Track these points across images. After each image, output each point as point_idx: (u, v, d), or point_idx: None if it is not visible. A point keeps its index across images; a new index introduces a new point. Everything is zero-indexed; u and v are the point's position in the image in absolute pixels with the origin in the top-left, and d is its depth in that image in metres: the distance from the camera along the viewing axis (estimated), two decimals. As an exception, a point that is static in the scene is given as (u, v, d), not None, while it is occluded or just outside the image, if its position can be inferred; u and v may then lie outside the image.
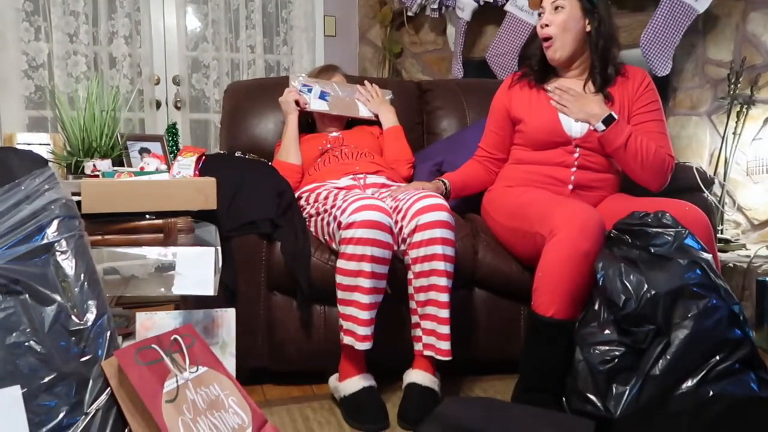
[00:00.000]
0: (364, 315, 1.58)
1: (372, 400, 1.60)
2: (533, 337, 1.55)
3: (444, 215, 1.61)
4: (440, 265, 1.59)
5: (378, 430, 1.55)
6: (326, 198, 1.79)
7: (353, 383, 1.62)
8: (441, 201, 1.64)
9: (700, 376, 1.28)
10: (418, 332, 1.64)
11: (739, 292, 2.33)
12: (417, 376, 1.62)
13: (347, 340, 1.59)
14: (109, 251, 1.52)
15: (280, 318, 1.79)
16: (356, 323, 1.58)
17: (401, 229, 1.64)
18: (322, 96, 2.21)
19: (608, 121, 1.74)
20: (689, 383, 1.28)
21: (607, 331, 1.38)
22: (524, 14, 2.92)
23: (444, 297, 1.60)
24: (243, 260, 1.75)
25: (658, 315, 1.32)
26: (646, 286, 1.34)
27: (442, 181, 1.93)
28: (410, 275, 1.65)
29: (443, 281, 1.60)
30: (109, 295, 1.81)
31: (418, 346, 1.65)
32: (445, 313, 1.60)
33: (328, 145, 2.13)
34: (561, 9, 1.80)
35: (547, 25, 1.81)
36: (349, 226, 1.56)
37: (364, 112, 2.28)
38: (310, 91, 2.20)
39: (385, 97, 2.31)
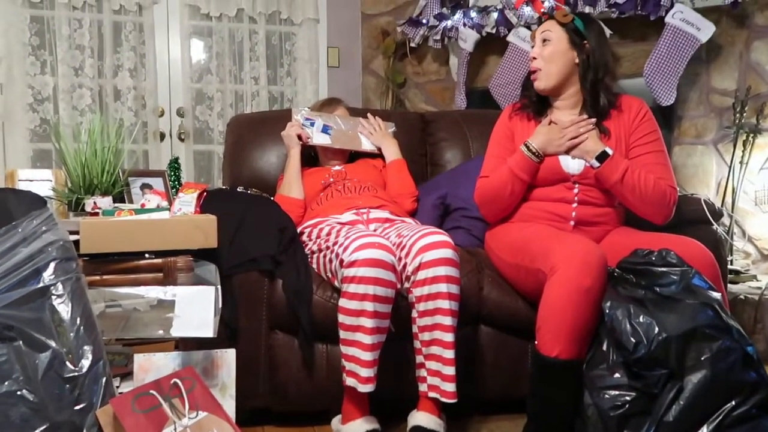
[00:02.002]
0: (367, 356, 1.54)
1: None
2: (539, 378, 1.51)
3: (449, 252, 1.58)
4: (445, 304, 1.56)
5: None
6: (328, 234, 1.77)
7: (356, 426, 1.58)
8: (446, 238, 1.61)
9: (716, 422, 1.23)
10: (423, 373, 1.60)
11: (751, 325, 2.28)
12: (422, 418, 1.58)
13: (350, 381, 1.56)
14: (108, 291, 1.50)
15: (281, 357, 1.75)
16: (359, 364, 1.54)
17: (405, 266, 1.61)
18: (325, 129, 2.19)
19: (603, 156, 1.72)
20: (704, 430, 1.24)
21: (617, 375, 1.34)
22: (526, 45, 2.93)
23: (449, 337, 1.56)
24: (244, 298, 1.72)
25: (671, 358, 1.28)
26: (656, 328, 1.31)
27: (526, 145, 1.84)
28: (414, 314, 1.61)
29: (448, 320, 1.56)
30: (106, 337, 1.79)
31: (422, 387, 1.61)
32: (450, 354, 1.56)
33: (331, 179, 2.12)
34: (548, 42, 1.81)
35: (535, 58, 1.83)
36: (351, 264, 1.53)
37: (366, 146, 2.26)
38: (312, 124, 2.18)
39: (388, 130, 2.30)
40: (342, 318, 1.57)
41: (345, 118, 2.26)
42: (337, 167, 2.18)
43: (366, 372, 1.54)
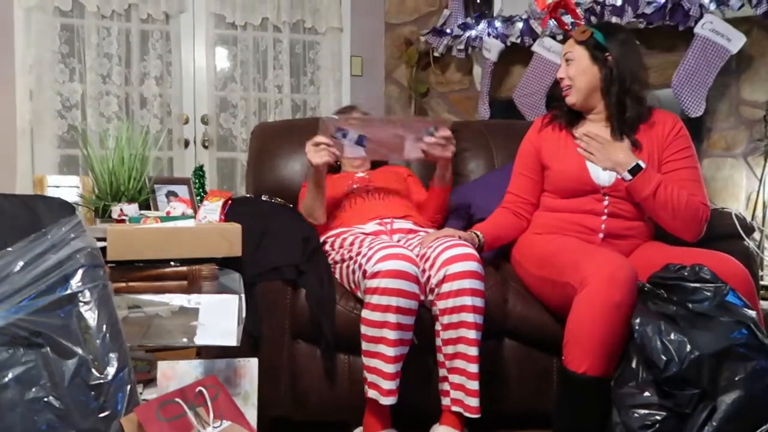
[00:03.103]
0: (390, 368, 1.53)
1: None
2: (565, 394, 1.48)
3: (474, 265, 1.56)
4: (469, 317, 1.54)
5: None
6: (352, 244, 1.76)
7: None
8: (471, 250, 1.60)
9: (750, 446, 1.19)
10: (446, 386, 1.58)
11: (782, 343, 2.22)
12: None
13: (372, 393, 1.54)
14: (133, 298, 1.51)
15: (303, 367, 1.74)
16: (381, 377, 1.53)
17: (429, 278, 1.60)
18: (360, 141, 1.90)
19: (636, 169, 1.69)
20: (738, 453, 1.20)
21: (646, 393, 1.31)
22: (552, 55, 2.90)
23: (473, 351, 1.54)
24: (267, 307, 1.71)
25: (703, 378, 1.25)
26: (689, 346, 1.27)
27: (476, 233, 1.83)
28: (438, 327, 1.60)
29: (472, 334, 1.54)
30: (129, 344, 1.80)
31: (445, 401, 1.59)
32: (474, 368, 1.54)
33: (354, 186, 2.10)
34: (571, 61, 1.81)
35: (562, 78, 1.83)
36: (375, 275, 1.52)
37: (412, 154, 1.95)
38: (344, 136, 1.88)
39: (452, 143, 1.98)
40: (364, 329, 1.55)
41: (387, 122, 2.05)
42: (361, 174, 2.16)
43: (388, 384, 1.53)
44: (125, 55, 3.11)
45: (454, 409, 1.56)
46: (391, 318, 1.51)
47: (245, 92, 3.30)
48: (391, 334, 1.52)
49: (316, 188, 1.90)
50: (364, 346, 1.56)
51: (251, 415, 1.53)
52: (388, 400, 1.53)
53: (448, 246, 1.60)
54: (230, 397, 1.38)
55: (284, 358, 1.74)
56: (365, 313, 1.55)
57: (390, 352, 1.52)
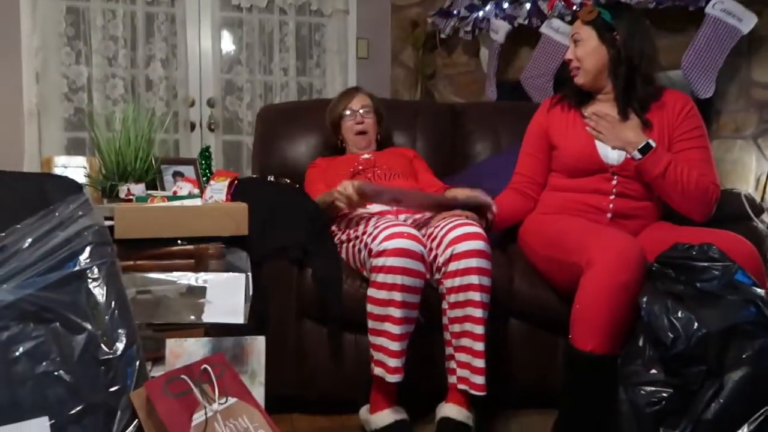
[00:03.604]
0: (395, 346, 1.53)
1: None
2: (571, 373, 1.48)
3: (481, 244, 1.56)
4: (476, 296, 1.54)
5: None
6: (357, 224, 1.76)
7: (384, 416, 1.58)
8: (478, 229, 1.59)
9: (757, 422, 1.19)
10: (453, 365, 1.59)
11: (790, 325, 2.21)
12: (451, 410, 1.56)
13: (378, 371, 1.55)
14: (141, 276, 1.52)
15: (310, 346, 1.75)
16: (387, 354, 1.54)
17: (436, 257, 1.60)
18: (389, 201, 1.81)
19: (646, 149, 1.68)
20: (745, 429, 1.20)
21: (653, 371, 1.31)
22: (559, 36, 2.87)
23: (479, 329, 1.54)
24: (274, 286, 1.72)
25: (710, 355, 1.25)
26: (696, 324, 1.27)
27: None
28: (445, 305, 1.60)
29: (479, 312, 1.54)
30: (137, 321, 1.81)
31: (452, 379, 1.59)
32: (480, 346, 1.55)
33: (360, 167, 2.09)
34: (578, 42, 1.79)
35: (570, 59, 1.82)
36: (380, 254, 1.53)
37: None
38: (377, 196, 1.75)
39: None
40: (370, 308, 1.56)
41: (424, 197, 1.86)
42: (366, 155, 2.15)
43: (394, 362, 1.54)
44: (131, 38, 3.11)
45: (460, 387, 1.56)
46: (397, 296, 1.52)
47: (251, 75, 3.30)
48: (396, 312, 1.52)
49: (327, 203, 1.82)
50: (370, 324, 1.57)
51: (258, 392, 1.54)
52: (394, 378, 1.53)
53: (455, 225, 1.60)
54: (236, 374, 1.39)
55: (291, 336, 1.75)
56: (371, 292, 1.55)
57: (396, 330, 1.53)
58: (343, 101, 2.21)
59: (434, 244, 1.61)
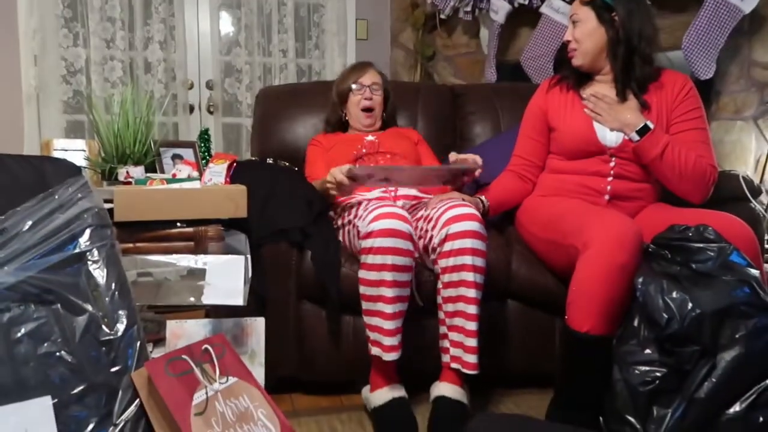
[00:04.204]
0: (389, 325, 1.56)
1: (401, 411, 1.58)
2: (568, 353, 1.50)
3: (475, 225, 1.57)
4: (469, 276, 1.56)
5: None
6: (352, 208, 1.77)
7: (383, 394, 1.60)
8: (472, 211, 1.60)
9: (749, 401, 1.21)
10: (446, 344, 1.61)
11: (786, 305, 2.23)
12: (445, 389, 1.59)
13: (375, 350, 1.57)
14: (141, 259, 1.53)
15: (310, 327, 1.77)
16: (382, 333, 1.56)
17: (431, 238, 1.61)
18: (383, 181, 1.81)
19: (644, 130, 1.68)
20: (737, 408, 1.22)
21: (647, 351, 1.32)
22: (560, 16, 2.85)
23: (472, 309, 1.56)
24: (273, 268, 1.74)
25: (704, 335, 1.26)
26: (690, 304, 1.28)
27: (480, 199, 1.84)
28: (439, 285, 1.61)
29: (472, 293, 1.56)
30: (139, 304, 1.83)
31: (445, 358, 1.61)
32: (472, 326, 1.57)
33: (363, 150, 2.08)
34: (578, 23, 1.78)
35: (569, 40, 1.81)
36: (368, 235, 1.54)
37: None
38: (369, 177, 1.76)
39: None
40: (363, 289, 1.58)
41: (415, 169, 1.89)
42: (370, 137, 2.12)
43: (389, 341, 1.56)
44: (128, 20, 3.08)
45: (453, 365, 1.59)
46: (387, 276, 1.53)
47: (250, 57, 3.28)
48: (388, 292, 1.54)
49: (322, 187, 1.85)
50: (364, 305, 1.59)
51: (258, 373, 1.56)
52: (390, 356, 1.56)
53: (450, 206, 1.61)
54: (237, 355, 1.41)
55: (291, 318, 1.77)
56: (362, 273, 1.57)
57: (389, 309, 1.55)
58: (353, 75, 2.16)
59: (430, 225, 1.62)
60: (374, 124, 2.16)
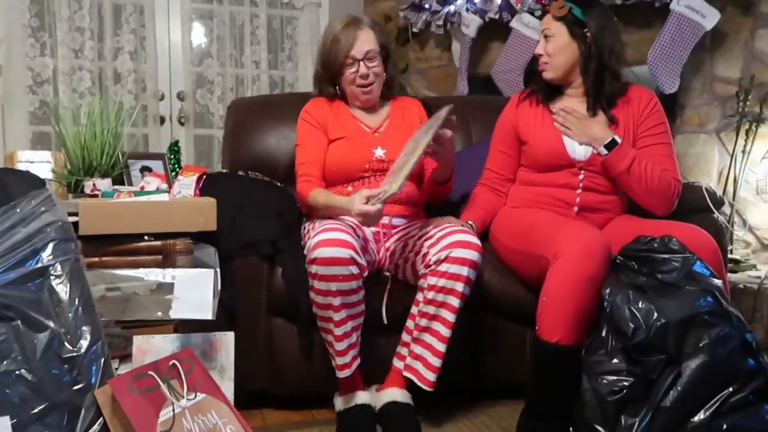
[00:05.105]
0: (339, 345, 1.58)
1: (361, 417, 1.60)
2: (538, 364, 1.51)
3: (476, 256, 1.58)
4: (455, 303, 1.58)
5: None
6: (308, 223, 1.76)
7: (346, 400, 1.64)
8: (476, 240, 1.60)
9: (713, 409, 1.23)
10: (404, 351, 1.63)
11: (749, 313, 2.28)
12: (396, 394, 1.63)
13: (333, 364, 1.61)
14: (108, 273, 1.50)
15: (280, 341, 1.75)
16: (334, 352, 1.59)
17: (426, 253, 1.60)
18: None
19: (612, 145, 1.71)
20: (702, 416, 1.24)
21: (615, 360, 1.34)
22: (530, 31, 2.90)
23: (447, 332, 1.59)
24: (243, 282, 1.72)
25: (669, 344, 1.28)
26: (656, 314, 1.30)
27: (469, 224, 1.81)
28: (420, 297, 1.62)
29: (452, 317, 1.59)
30: (105, 319, 1.79)
31: (398, 364, 1.65)
32: (442, 347, 1.59)
33: (369, 172, 1.81)
34: (550, 38, 1.80)
35: (540, 54, 1.83)
36: (312, 262, 1.52)
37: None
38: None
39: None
40: (315, 309, 1.59)
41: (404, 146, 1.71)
42: (380, 152, 1.81)
43: (340, 360, 1.59)
44: (98, 29, 3.05)
45: (406, 374, 1.62)
46: (334, 301, 1.53)
47: (222, 68, 3.26)
48: (335, 315, 1.55)
49: (330, 214, 1.72)
50: (318, 323, 1.61)
51: (228, 388, 1.53)
52: (342, 374, 1.59)
53: (455, 231, 1.60)
54: (206, 370, 1.39)
55: (261, 332, 1.75)
56: (312, 296, 1.57)
57: (338, 331, 1.56)
58: (342, 47, 1.79)
59: (427, 242, 1.61)
60: (374, 99, 1.88)
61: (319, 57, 1.87)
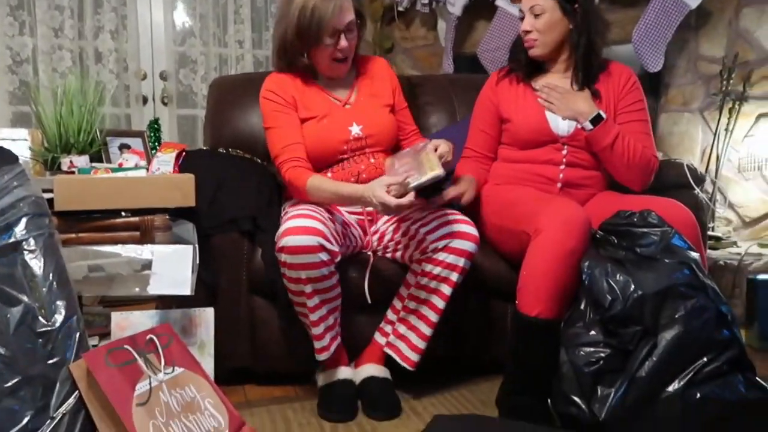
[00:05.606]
0: (316, 330, 1.58)
1: (343, 392, 1.61)
2: (518, 337, 1.52)
3: (474, 247, 1.59)
4: (447, 291, 1.59)
5: (341, 420, 1.55)
6: (284, 206, 1.75)
7: (329, 375, 1.65)
8: (475, 231, 1.60)
9: (687, 378, 1.24)
10: (388, 329, 1.64)
11: (729, 290, 2.30)
12: (374, 369, 1.64)
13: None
14: (84, 250, 1.49)
15: (262, 318, 1.75)
16: (313, 336, 1.60)
17: (423, 239, 1.59)
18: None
19: (597, 119, 1.71)
20: (676, 385, 1.25)
21: (592, 332, 1.35)
22: (514, 9, 2.87)
23: (435, 317, 1.60)
24: (224, 259, 1.71)
25: (645, 316, 1.29)
26: (633, 286, 1.31)
27: (469, 178, 1.80)
28: (412, 280, 1.62)
29: (442, 304, 1.60)
30: (88, 295, 1.78)
31: (380, 340, 1.66)
32: (428, 331, 1.61)
33: (347, 153, 1.73)
34: (540, 15, 1.77)
35: (528, 31, 1.78)
36: (280, 250, 1.50)
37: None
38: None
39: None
40: (290, 295, 1.59)
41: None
42: (356, 129, 1.72)
43: (318, 343, 1.59)
44: (78, 8, 2.99)
45: (387, 351, 1.63)
46: (306, 288, 1.53)
47: (205, 47, 3.22)
48: (309, 302, 1.55)
49: (339, 202, 1.68)
50: (295, 308, 1.61)
51: (208, 363, 1.54)
52: (321, 357, 1.60)
53: (457, 220, 1.59)
54: (184, 345, 1.38)
55: (243, 309, 1.75)
56: (285, 282, 1.56)
57: (313, 316, 1.56)
58: (324, 17, 1.62)
59: (423, 229, 1.60)
60: (347, 69, 1.78)
61: (293, 28, 1.66)
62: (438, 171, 1.45)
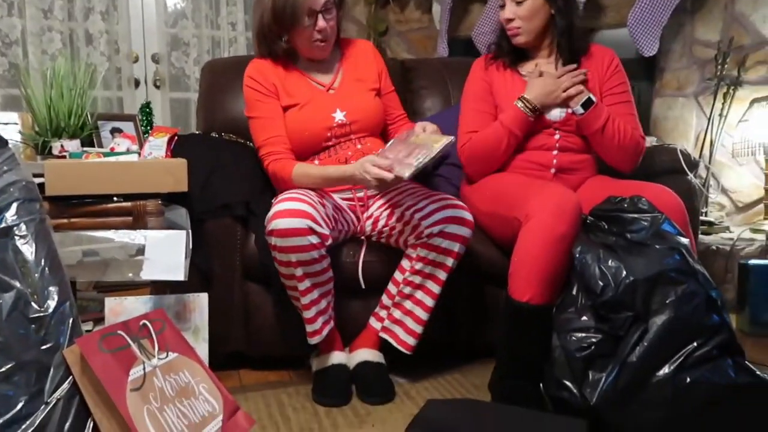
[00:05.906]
0: (308, 314, 1.59)
1: (337, 376, 1.62)
2: (509, 323, 1.52)
3: (468, 232, 1.59)
4: (442, 275, 1.60)
5: (335, 405, 1.56)
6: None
7: (323, 359, 1.66)
8: (470, 217, 1.60)
9: (677, 363, 1.26)
10: (383, 313, 1.64)
11: (721, 275, 2.32)
12: (368, 354, 1.65)
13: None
14: (76, 235, 1.48)
15: (256, 303, 1.75)
16: (305, 320, 1.60)
17: (418, 225, 1.58)
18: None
19: (588, 103, 1.71)
20: (666, 370, 1.26)
21: (584, 318, 1.36)
22: (511, -8, 2.85)
23: (431, 302, 1.61)
24: (217, 244, 1.71)
25: (636, 301, 1.30)
26: (624, 272, 1.32)
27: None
28: (407, 266, 1.62)
29: (437, 289, 1.61)
30: (82, 280, 1.77)
31: (375, 324, 1.66)
32: (424, 316, 1.61)
33: (332, 140, 1.73)
34: (523, 2, 1.76)
35: (511, 19, 1.78)
36: (270, 234, 1.51)
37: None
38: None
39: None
40: (281, 279, 1.59)
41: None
42: (339, 115, 1.72)
43: (310, 327, 1.60)
44: (67, -12, 2.94)
45: (383, 335, 1.64)
46: (296, 271, 1.53)
47: (197, 29, 3.18)
48: (300, 285, 1.55)
49: (328, 185, 1.67)
50: (287, 291, 1.61)
51: (202, 349, 1.54)
52: (313, 340, 1.61)
53: (449, 205, 1.59)
54: (178, 330, 1.38)
55: (237, 295, 1.75)
56: (276, 266, 1.56)
57: (305, 300, 1.57)
58: (298, 1, 1.61)
59: (417, 214, 1.59)
60: (329, 52, 1.76)
61: (269, 11, 1.65)
62: (447, 138, 1.47)
